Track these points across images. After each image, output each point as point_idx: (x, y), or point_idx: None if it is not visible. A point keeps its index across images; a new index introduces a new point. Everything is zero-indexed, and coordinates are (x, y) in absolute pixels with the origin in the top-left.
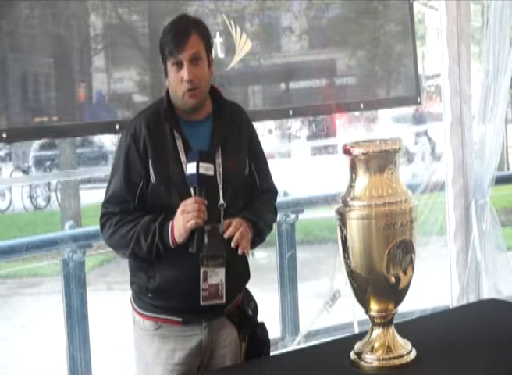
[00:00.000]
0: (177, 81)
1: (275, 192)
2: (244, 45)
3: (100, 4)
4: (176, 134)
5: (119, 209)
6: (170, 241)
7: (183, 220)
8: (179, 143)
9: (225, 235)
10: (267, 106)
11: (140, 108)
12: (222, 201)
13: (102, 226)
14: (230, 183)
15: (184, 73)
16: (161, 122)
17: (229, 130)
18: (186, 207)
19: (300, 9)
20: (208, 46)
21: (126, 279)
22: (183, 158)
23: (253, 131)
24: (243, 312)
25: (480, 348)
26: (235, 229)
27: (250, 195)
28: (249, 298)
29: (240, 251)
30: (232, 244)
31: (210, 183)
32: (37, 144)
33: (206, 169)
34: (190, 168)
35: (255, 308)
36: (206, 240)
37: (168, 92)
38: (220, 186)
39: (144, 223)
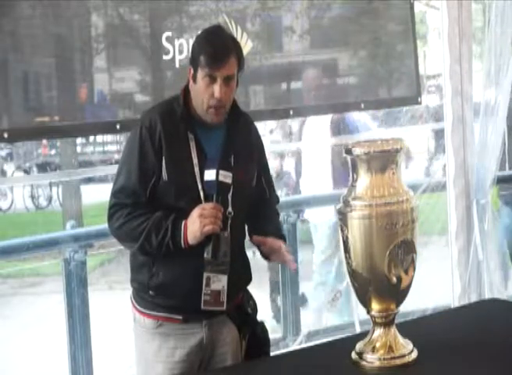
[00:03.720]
0: (206, 93)
1: (278, 202)
2: (245, 45)
3: (101, 4)
4: (190, 135)
5: (130, 201)
6: (182, 242)
7: (200, 224)
8: (193, 144)
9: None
10: (268, 106)
11: (142, 108)
12: (230, 209)
13: (111, 216)
14: (239, 192)
15: (216, 89)
16: (177, 121)
17: (241, 140)
18: (204, 211)
19: (301, 9)
20: (240, 68)
21: (127, 278)
22: (195, 160)
23: (261, 144)
24: (243, 311)
25: (482, 348)
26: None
27: (257, 206)
28: (248, 298)
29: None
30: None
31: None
32: None
33: (225, 176)
34: (210, 175)
35: (255, 308)
36: (219, 247)
37: (184, 91)
38: (230, 194)
39: (156, 219)
